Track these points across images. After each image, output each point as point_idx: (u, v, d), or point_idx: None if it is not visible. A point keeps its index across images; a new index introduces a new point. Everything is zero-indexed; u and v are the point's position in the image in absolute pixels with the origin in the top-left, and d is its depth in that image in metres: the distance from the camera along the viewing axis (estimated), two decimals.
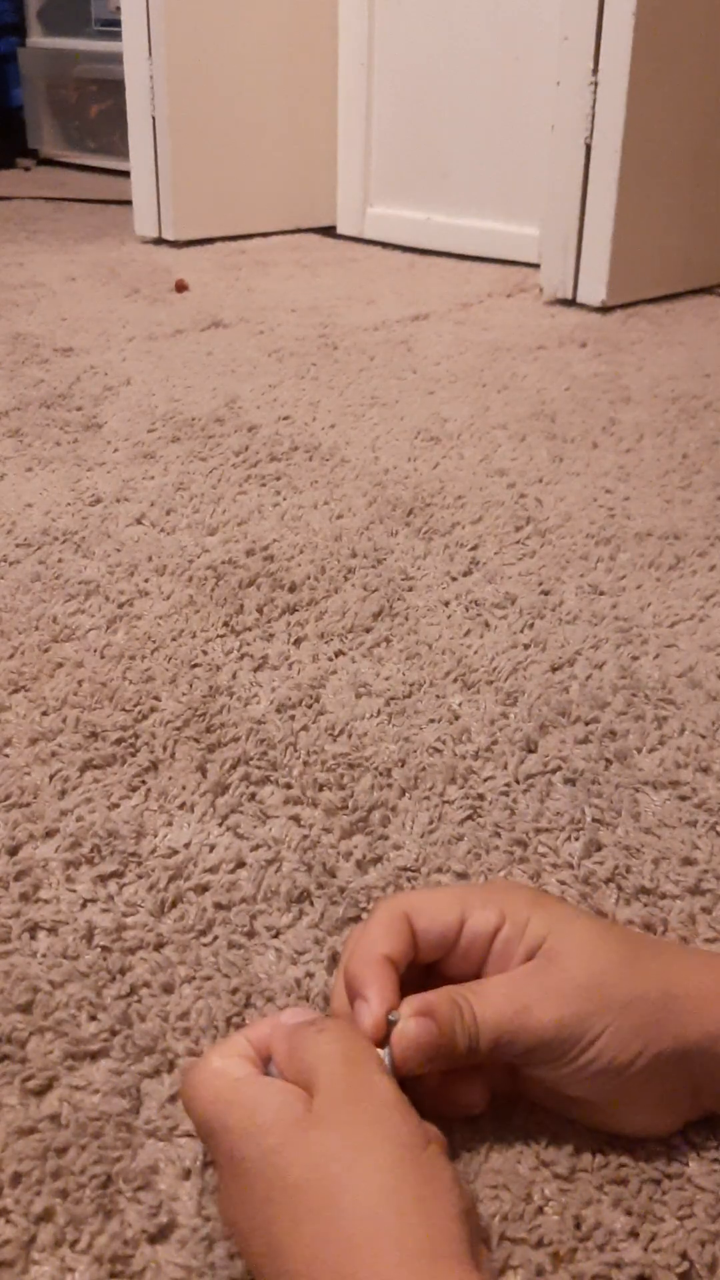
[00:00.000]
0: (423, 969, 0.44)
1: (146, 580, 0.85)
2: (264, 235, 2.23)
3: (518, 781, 0.63)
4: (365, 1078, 0.37)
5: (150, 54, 1.99)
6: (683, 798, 0.62)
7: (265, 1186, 0.35)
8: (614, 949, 0.42)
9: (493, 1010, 0.40)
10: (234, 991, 0.49)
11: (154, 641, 0.76)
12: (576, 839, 0.58)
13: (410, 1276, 0.32)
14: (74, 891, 0.54)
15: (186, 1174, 0.41)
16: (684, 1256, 0.39)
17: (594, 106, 1.59)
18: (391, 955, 0.43)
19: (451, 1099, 0.42)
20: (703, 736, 0.67)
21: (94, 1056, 0.46)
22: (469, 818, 0.60)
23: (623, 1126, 0.42)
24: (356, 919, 0.53)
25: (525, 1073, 0.42)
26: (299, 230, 2.30)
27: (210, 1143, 0.38)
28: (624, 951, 0.42)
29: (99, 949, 0.51)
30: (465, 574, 0.87)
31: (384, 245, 2.20)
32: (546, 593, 0.84)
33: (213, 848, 0.57)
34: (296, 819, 0.60)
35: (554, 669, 0.74)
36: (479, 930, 0.43)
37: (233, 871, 0.56)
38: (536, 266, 1.81)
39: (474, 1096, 0.42)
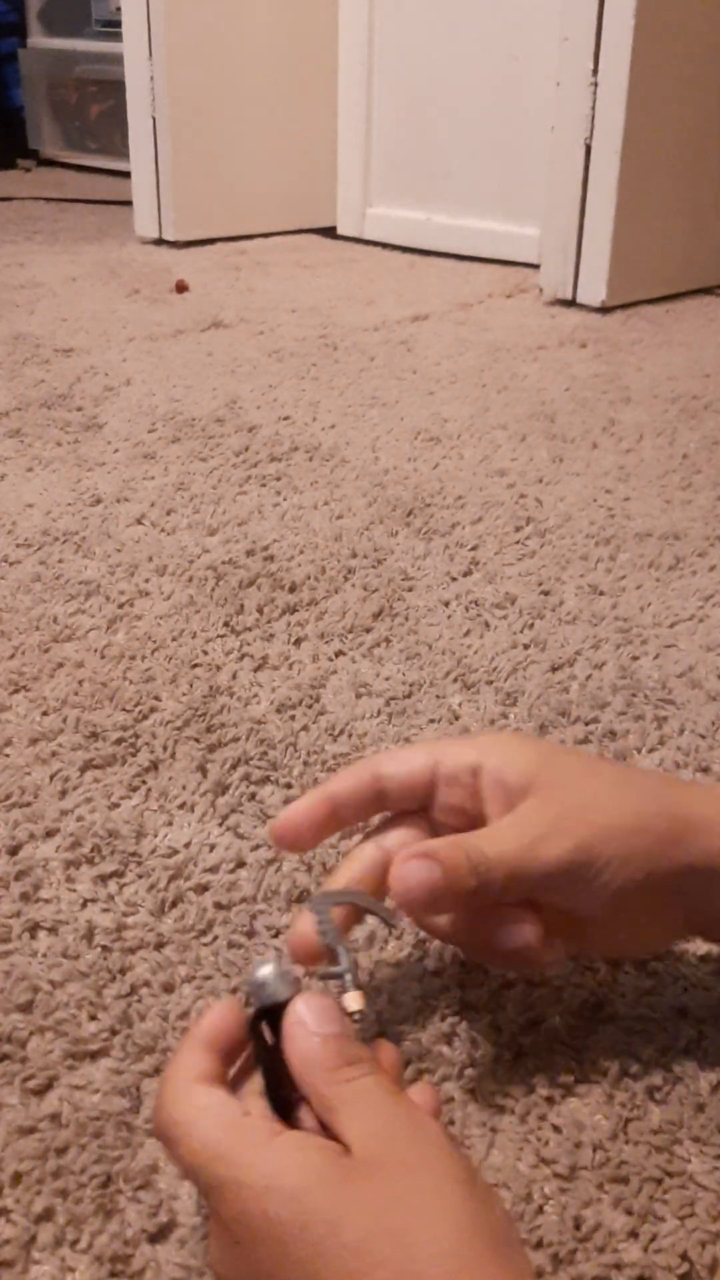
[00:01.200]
0: (428, 829, 0.45)
1: (147, 580, 0.85)
2: (264, 236, 2.23)
3: None
4: (409, 1113, 0.36)
5: (151, 55, 1.99)
6: None
7: (310, 1248, 0.32)
8: (610, 776, 0.42)
9: (501, 846, 0.41)
10: (234, 991, 0.49)
11: (154, 641, 0.76)
12: None
13: None
14: (74, 891, 0.54)
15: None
16: (684, 1257, 0.39)
17: (594, 107, 1.59)
18: (337, 793, 0.43)
19: (503, 943, 0.42)
20: (702, 736, 0.67)
21: (94, 1056, 0.46)
22: None
23: (619, 948, 0.43)
24: (357, 919, 0.53)
25: (540, 900, 0.42)
26: (299, 231, 2.30)
27: (211, 1197, 0.35)
28: (621, 776, 0.43)
29: (99, 948, 0.51)
30: (465, 574, 0.87)
31: (384, 246, 2.20)
32: (546, 593, 0.84)
33: (213, 847, 0.57)
34: None
35: (554, 669, 0.74)
36: (455, 768, 0.43)
37: (233, 871, 0.56)
38: (536, 267, 1.81)
39: (525, 933, 0.42)
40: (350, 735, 0.67)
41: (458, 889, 0.40)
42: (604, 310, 1.68)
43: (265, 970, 0.39)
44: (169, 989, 0.49)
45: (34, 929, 0.52)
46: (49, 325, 1.53)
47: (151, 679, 0.72)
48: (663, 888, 0.42)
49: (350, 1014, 0.39)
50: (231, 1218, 0.34)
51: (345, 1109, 0.35)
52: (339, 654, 0.75)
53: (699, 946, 0.52)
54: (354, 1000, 0.40)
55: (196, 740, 0.66)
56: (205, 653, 0.75)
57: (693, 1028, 0.47)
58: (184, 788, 0.62)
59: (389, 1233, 0.32)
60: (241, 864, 0.56)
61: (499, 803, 0.43)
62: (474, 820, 0.44)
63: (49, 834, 0.58)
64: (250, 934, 0.52)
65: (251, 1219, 0.33)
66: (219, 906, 0.54)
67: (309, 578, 0.85)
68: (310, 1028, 0.37)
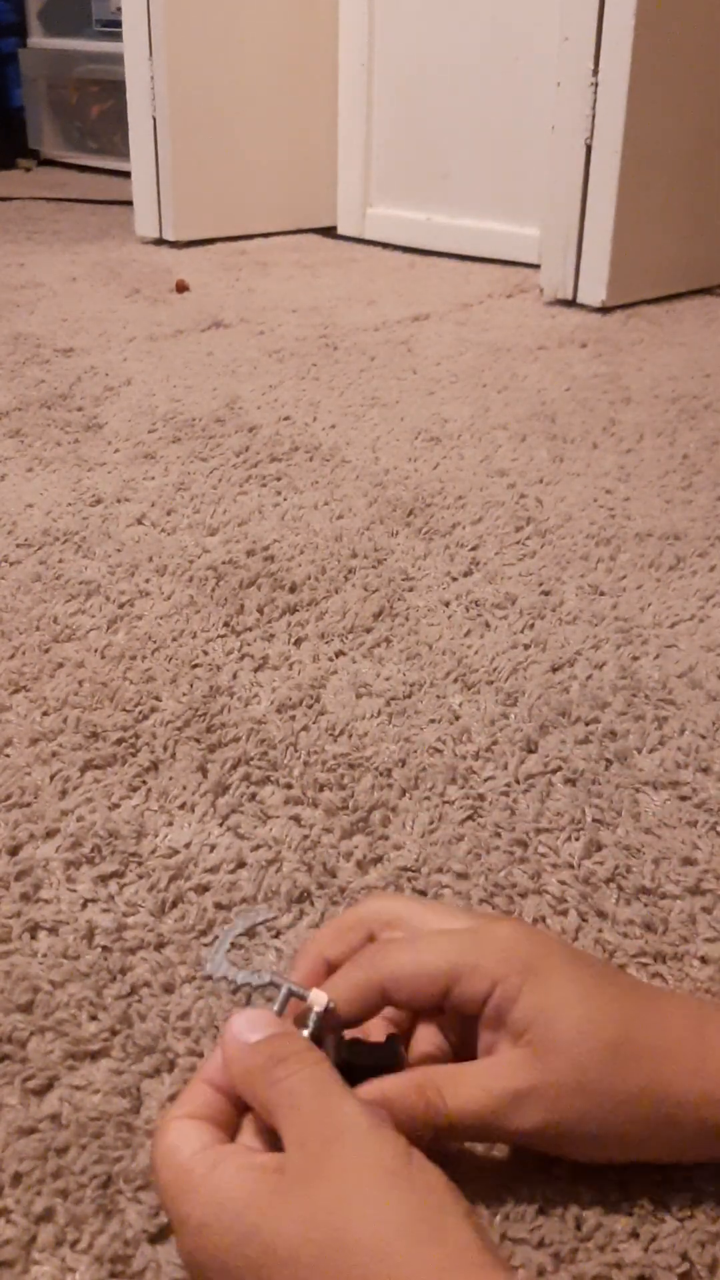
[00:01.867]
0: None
1: (147, 580, 0.85)
2: (264, 236, 2.23)
3: (518, 782, 0.63)
4: (332, 1109, 0.35)
5: (151, 55, 1.99)
6: (683, 798, 0.62)
7: (253, 1272, 0.33)
8: (605, 1037, 0.39)
9: (466, 1101, 0.38)
10: (235, 992, 0.49)
11: (154, 642, 0.76)
12: (577, 839, 0.58)
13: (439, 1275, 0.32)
14: (74, 891, 0.54)
15: None
16: (684, 1257, 0.39)
17: (594, 107, 1.59)
18: (332, 959, 0.43)
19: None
20: (703, 737, 0.67)
21: (94, 1056, 0.46)
22: (469, 818, 0.60)
23: (579, 1156, 0.41)
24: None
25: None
26: (299, 231, 2.30)
27: (176, 1234, 0.36)
28: (615, 1038, 0.39)
29: (99, 949, 0.51)
30: (465, 574, 0.87)
31: (384, 246, 2.20)
32: (547, 593, 0.84)
33: (213, 848, 0.57)
34: (297, 819, 0.60)
35: (554, 669, 0.74)
36: (467, 999, 0.40)
37: (233, 871, 0.56)
38: (537, 267, 1.81)
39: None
40: (350, 735, 0.67)
41: (408, 1133, 0.36)
42: (604, 310, 1.68)
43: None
44: (169, 989, 0.49)
45: (34, 929, 0.52)
46: (49, 325, 1.53)
47: (152, 679, 0.72)
48: (641, 1145, 0.40)
49: (323, 1010, 0.39)
50: (186, 1258, 0.35)
51: (279, 1112, 0.36)
52: (339, 654, 0.75)
53: (701, 948, 0.52)
54: (320, 996, 0.40)
55: (197, 740, 0.66)
56: (205, 653, 0.75)
57: None
58: (184, 788, 0.62)
59: (321, 1240, 0.32)
60: (242, 864, 0.56)
61: (491, 1031, 0.40)
62: (464, 1029, 0.42)
63: (49, 834, 0.58)
64: (250, 934, 0.52)
65: (202, 1253, 0.34)
66: (219, 907, 0.54)
67: (309, 578, 0.85)
68: (239, 1037, 0.38)
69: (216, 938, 0.44)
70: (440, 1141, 0.39)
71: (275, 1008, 0.40)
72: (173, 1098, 0.44)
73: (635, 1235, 0.39)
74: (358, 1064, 0.40)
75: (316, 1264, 0.32)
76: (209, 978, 0.43)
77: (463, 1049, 0.42)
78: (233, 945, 0.51)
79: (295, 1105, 0.36)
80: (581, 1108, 0.38)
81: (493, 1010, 0.40)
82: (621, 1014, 0.40)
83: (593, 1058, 0.38)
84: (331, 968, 0.43)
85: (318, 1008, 0.39)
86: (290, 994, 0.40)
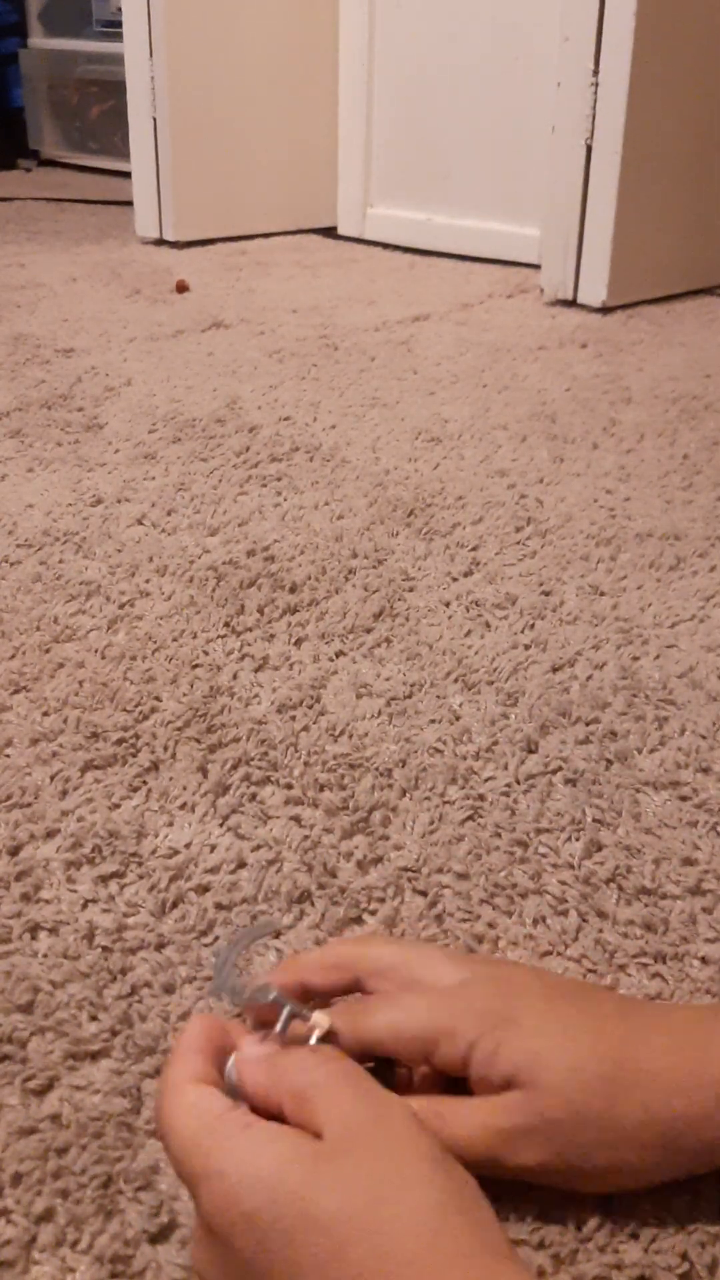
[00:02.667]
0: None
1: (147, 581, 0.85)
2: (265, 236, 2.23)
3: (518, 782, 0.63)
4: (373, 1092, 0.36)
5: (151, 55, 1.99)
6: (683, 798, 0.62)
7: (284, 1235, 0.33)
8: (596, 1070, 0.38)
9: (468, 1134, 0.38)
10: (238, 1012, 0.49)
11: (155, 642, 0.76)
12: (577, 839, 0.58)
13: (478, 1277, 0.32)
14: (75, 892, 0.54)
15: None
16: (684, 1258, 0.39)
17: (594, 107, 1.59)
18: (313, 989, 0.42)
19: None
20: (703, 737, 0.67)
21: (95, 1056, 0.46)
22: (469, 818, 0.60)
23: (584, 1189, 0.40)
24: (358, 919, 0.53)
25: None
26: (300, 231, 2.30)
27: (196, 1189, 0.35)
28: (607, 1071, 0.38)
29: (100, 949, 0.51)
30: (466, 574, 0.87)
31: (384, 246, 2.20)
32: (547, 593, 0.84)
33: (214, 848, 0.57)
34: (297, 819, 0.60)
35: (554, 669, 0.74)
36: (448, 1062, 0.40)
37: (233, 872, 0.56)
38: (537, 267, 1.81)
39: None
40: (351, 736, 0.67)
41: None
42: (604, 310, 1.68)
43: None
44: (170, 990, 0.49)
45: (34, 929, 0.52)
46: (50, 325, 1.53)
47: (152, 679, 0.72)
48: (649, 1171, 0.39)
49: (325, 1034, 0.39)
50: (210, 1212, 0.34)
51: (317, 1094, 0.36)
52: (339, 654, 0.75)
53: (701, 948, 0.52)
54: (323, 1018, 0.40)
55: (197, 741, 0.66)
56: (206, 653, 0.75)
57: None
58: (185, 788, 0.62)
59: (360, 1211, 0.32)
60: (242, 864, 0.56)
61: (486, 1080, 0.39)
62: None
63: (49, 834, 0.58)
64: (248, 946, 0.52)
65: (228, 1211, 0.34)
66: (220, 907, 0.54)
67: (309, 578, 0.85)
68: (258, 1050, 0.38)
69: (217, 954, 0.43)
70: None
71: (278, 1028, 0.39)
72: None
73: (635, 1236, 0.39)
74: None
75: (352, 1234, 0.32)
76: (213, 993, 0.43)
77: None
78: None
79: (335, 1089, 0.36)
80: (583, 1142, 0.38)
81: (477, 1070, 0.39)
82: (609, 1044, 0.39)
83: (586, 1094, 0.38)
84: (307, 995, 0.42)
85: (320, 1031, 0.39)
86: (293, 1015, 0.39)
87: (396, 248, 2.18)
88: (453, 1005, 0.40)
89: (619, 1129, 0.38)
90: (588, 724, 0.68)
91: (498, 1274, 0.32)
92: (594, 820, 0.60)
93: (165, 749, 0.65)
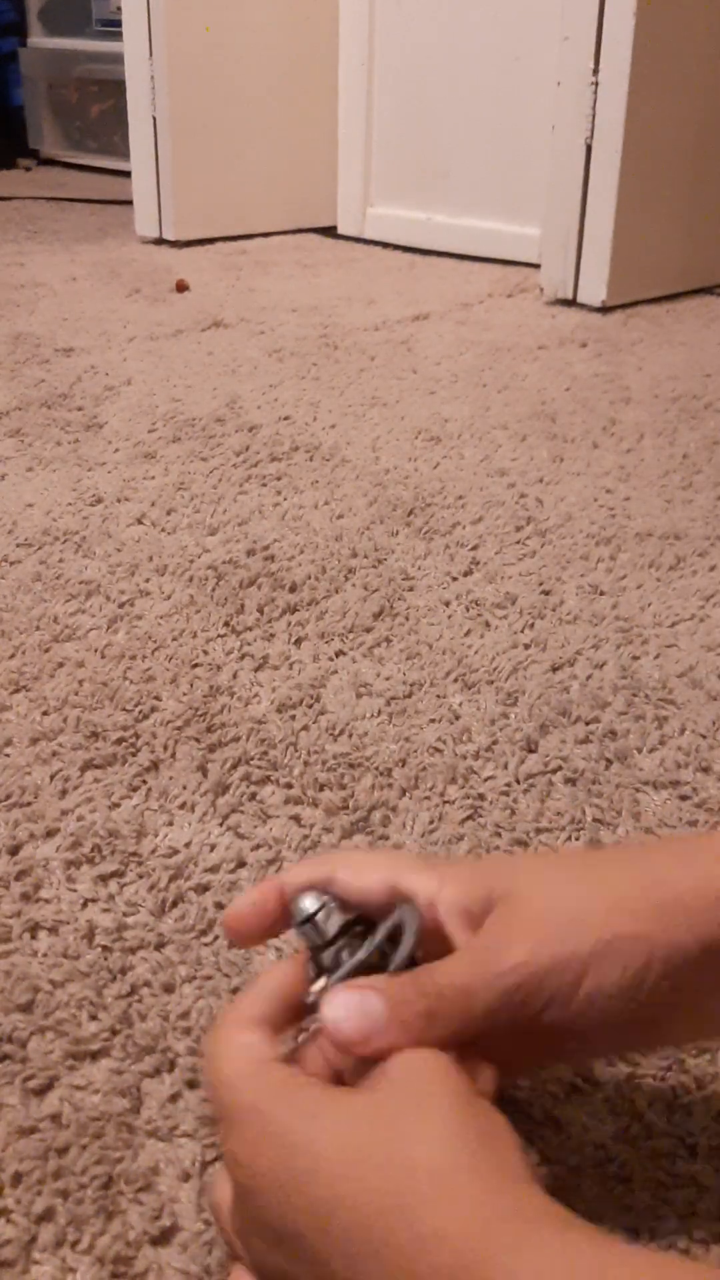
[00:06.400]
0: None
1: (147, 580, 0.85)
2: (264, 235, 2.23)
3: (518, 781, 0.63)
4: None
5: (151, 54, 1.99)
6: (683, 797, 0.62)
7: (312, 1157, 0.32)
8: (574, 868, 0.38)
9: (454, 971, 0.36)
10: (234, 991, 0.49)
11: (155, 641, 0.76)
12: (577, 839, 0.58)
13: (496, 1195, 0.31)
14: (75, 891, 0.54)
15: (186, 1176, 0.41)
16: (685, 1256, 0.39)
17: (594, 106, 1.59)
18: (288, 884, 0.40)
19: None
20: (703, 736, 0.67)
21: (95, 1056, 0.46)
22: (469, 817, 0.60)
23: (686, 1038, 0.38)
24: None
25: (551, 1030, 0.36)
26: (299, 230, 2.30)
27: (233, 1118, 0.34)
28: (586, 866, 0.38)
29: (100, 948, 0.51)
30: (466, 574, 0.87)
31: (384, 245, 2.20)
32: (547, 593, 0.84)
33: (213, 847, 0.57)
34: (297, 819, 0.60)
35: (554, 669, 0.74)
36: (412, 892, 0.38)
37: (233, 871, 0.56)
38: (537, 267, 1.81)
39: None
40: (350, 735, 0.67)
41: (406, 1027, 0.35)
42: (604, 310, 1.68)
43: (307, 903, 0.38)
44: (169, 989, 0.49)
45: (34, 929, 0.52)
46: (49, 325, 1.53)
47: (152, 679, 0.72)
48: (688, 975, 0.36)
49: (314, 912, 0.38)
50: (235, 1152, 0.34)
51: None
52: (339, 654, 0.75)
53: None
54: (302, 906, 0.39)
55: (197, 740, 0.66)
56: (206, 652, 0.75)
57: None
58: (184, 787, 0.62)
59: (376, 1143, 0.32)
60: (242, 864, 0.56)
61: (464, 933, 0.37)
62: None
63: (49, 834, 0.58)
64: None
65: (264, 1137, 0.33)
66: (220, 906, 0.54)
67: (309, 577, 0.85)
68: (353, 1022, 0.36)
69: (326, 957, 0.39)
70: (444, 1031, 0.36)
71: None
72: (173, 1098, 0.44)
73: (635, 1233, 0.39)
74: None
75: (370, 1164, 0.32)
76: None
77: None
78: (231, 945, 0.51)
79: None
80: (569, 922, 0.36)
81: (450, 912, 0.38)
82: (591, 868, 0.39)
83: (565, 881, 0.37)
84: (286, 896, 0.40)
85: (306, 910, 0.38)
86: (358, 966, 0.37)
87: (396, 247, 2.18)
88: (436, 864, 0.40)
89: (610, 898, 0.36)
90: (587, 723, 0.68)
91: (519, 1195, 0.31)
92: (594, 820, 0.60)
93: (165, 748, 0.65)
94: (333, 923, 0.38)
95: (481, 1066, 0.36)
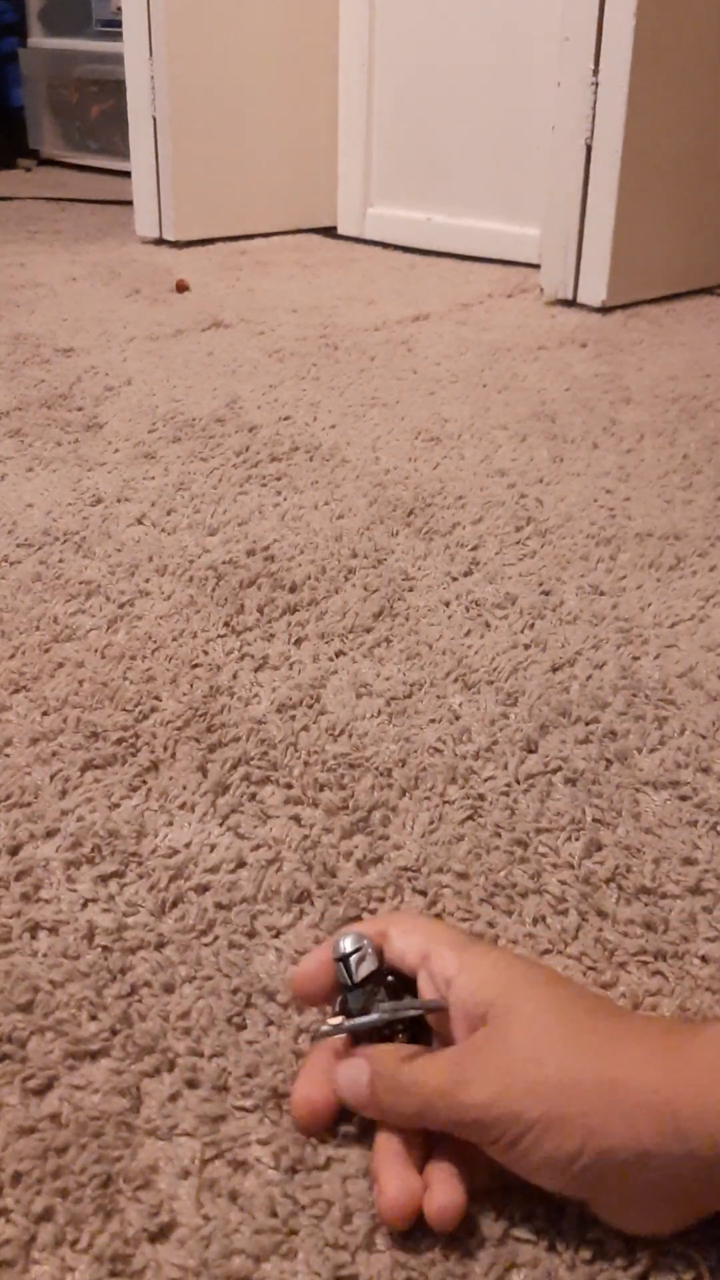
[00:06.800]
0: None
1: (147, 580, 0.85)
2: (265, 236, 2.23)
3: (518, 781, 0.63)
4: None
5: (151, 54, 1.99)
6: (683, 798, 0.62)
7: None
8: (561, 1022, 0.39)
9: (425, 1077, 0.39)
10: (235, 991, 0.49)
11: (155, 641, 0.76)
12: (577, 839, 0.58)
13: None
14: (75, 891, 0.54)
15: (185, 1174, 0.41)
16: (690, 1263, 0.39)
17: (594, 107, 1.59)
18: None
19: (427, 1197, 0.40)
20: (703, 737, 0.67)
21: (94, 1056, 0.46)
22: (469, 818, 0.60)
23: (612, 1221, 0.39)
24: (357, 919, 0.53)
25: (500, 1160, 0.39)
26: (299, 231, 2.30)
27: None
28: (571, 1026, 0.39)
29: (100, 949, 0.51)
30: (466, 574, 0.87)
31: (384, 245, 2.20)
32: (547, 593, 0.84)
33: (213, 847, 0.57)
34: (297, 819, 0.60)
35: (554, 669, 0.74)
36: (437, 971, 0.42)
37: (233, 871, 0.56)
38: (537, 267, 1.81)
39: (452, 1205, 0.39)
40: (351, 735, 0.67)
41: (381, 1110, 0.40)
42: (604, 310, 1.68)
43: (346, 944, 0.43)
44: (169, 989, 0.49)
45: (34, 929, 0.52)
46: (49, 325, 1.53)
47: (152, 679, 0.72)
48: (625, 1169, 0.36)
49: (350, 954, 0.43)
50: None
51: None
52: (339, 654, 0.75)
53: (701, 946, 0.52)
54: (343, 945, 0.43)
55: (197, 740, 0.66)
56: (205, 653, 0.75)
57: None
58: (184, 788, 0.62)
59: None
60: (242, 864, 0.56)
61: (463, 1024, 0.41)
62: (444, 1029, 0.42)
63: (49, 834, 0.58)
64: (251, 934, 0.52)
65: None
66: (219, 906, 0.54)
67: (309, 578, 0.85)
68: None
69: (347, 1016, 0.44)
70: (402, 1123, 0.40)
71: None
72: (173, 1098, 0.44)
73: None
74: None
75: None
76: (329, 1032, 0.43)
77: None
78: (231, 945, 0.51)
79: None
80: (529, 1083, 0.37)
81: (458, 999, 0.41)
82: (590, 1007, 0.40)
83: (547, 1034, 0.38)
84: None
85: (344, 950, 0.42)
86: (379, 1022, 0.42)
87: (396, 247, 2.18)
88: (467, 947, 0.43)
89: (572, 1074, 0.37)
90: (587, 724, 0.68)
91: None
92: (594, 820, 0.60)
93: (165, 749, 0.65)
94: (364, 967, 0.42)
95: (472, 1157, 0.40)
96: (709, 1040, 0.37)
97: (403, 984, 0.43)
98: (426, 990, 0.42)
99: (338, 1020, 0.42)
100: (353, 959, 0.42)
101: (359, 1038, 0.43)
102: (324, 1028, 0.42)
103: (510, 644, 0.77)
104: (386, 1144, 0.41)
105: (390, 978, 0.43)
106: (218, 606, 0.81)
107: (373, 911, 0.54)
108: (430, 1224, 0.39)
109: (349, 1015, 0.42)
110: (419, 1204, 0.39)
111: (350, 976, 0.42)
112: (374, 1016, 0.41)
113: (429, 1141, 0.41)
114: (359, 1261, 0.39)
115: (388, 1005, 0.42)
